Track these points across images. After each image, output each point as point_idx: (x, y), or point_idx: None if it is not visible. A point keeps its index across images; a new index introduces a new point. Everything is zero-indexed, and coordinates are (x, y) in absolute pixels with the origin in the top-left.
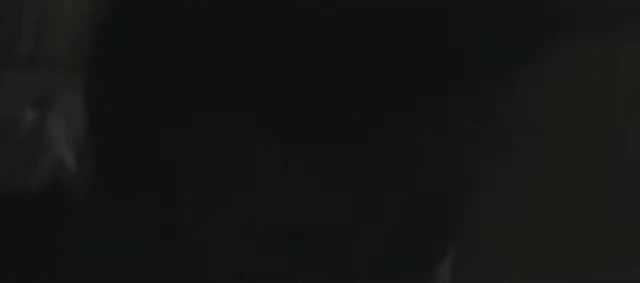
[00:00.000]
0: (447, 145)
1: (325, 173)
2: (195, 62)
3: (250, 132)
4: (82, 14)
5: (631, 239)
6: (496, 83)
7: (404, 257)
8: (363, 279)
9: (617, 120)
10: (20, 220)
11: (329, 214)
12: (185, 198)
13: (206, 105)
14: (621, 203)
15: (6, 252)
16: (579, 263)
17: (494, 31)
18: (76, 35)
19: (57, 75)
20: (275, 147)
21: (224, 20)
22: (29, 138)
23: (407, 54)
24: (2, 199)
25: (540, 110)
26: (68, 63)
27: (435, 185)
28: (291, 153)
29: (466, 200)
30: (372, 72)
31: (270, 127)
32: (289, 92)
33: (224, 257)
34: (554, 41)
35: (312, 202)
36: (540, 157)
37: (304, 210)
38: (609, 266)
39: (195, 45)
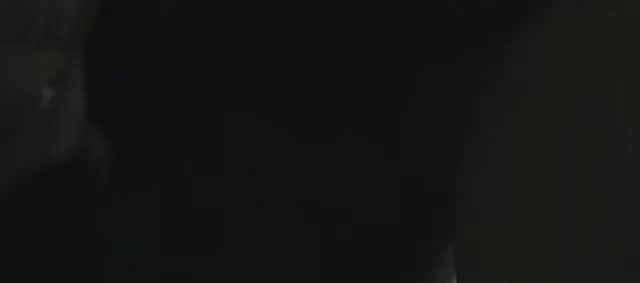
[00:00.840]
0: (447, 143)
1: (325, 157)
2: (196, 42)
3: (253, 117)
4: None
5: (632, 238)
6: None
7: (404, 256)
8: (363, 279)
9: (619, 108)
10: (39, 196)
11: (327, 213)
12: (191, 174)
13: (209, 85)
14: (622, 202)
15: (25, 228)
16: (580, 263)
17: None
18: (93, 13)
19: (75, 53)
20: (277, 133)
21: (220, 5)
22: (46, 115)
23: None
24: (22, 176)
25: (541, 107)
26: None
27: (436, 183)
28: (291, 136)
29: (467, 199)
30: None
31: (271, 112)
32: (288, 76)
33: (229, 235)
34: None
35: (312, 201)
36: (541, 156)
37: (303, 205)
38: (609, 266)
39: (197, 28)
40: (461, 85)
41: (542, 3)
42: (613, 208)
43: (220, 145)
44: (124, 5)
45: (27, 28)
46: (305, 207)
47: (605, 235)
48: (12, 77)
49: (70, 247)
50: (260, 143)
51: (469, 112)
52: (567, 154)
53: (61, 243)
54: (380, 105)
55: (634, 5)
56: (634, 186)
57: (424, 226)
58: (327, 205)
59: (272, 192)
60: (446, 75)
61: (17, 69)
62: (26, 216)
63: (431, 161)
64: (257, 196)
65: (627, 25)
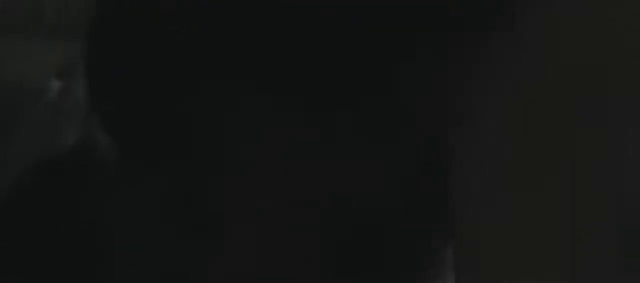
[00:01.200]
0: (447, 143)
1: (325, 142)
2: (201, 35)
3: (254, 101)
4: None
5: (631, 238)
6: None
7: (404, 256)
8: (363, 279)
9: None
10: (46, 187)
11: (327, 213)
12: (191, 174)
13: (215, 74)
14: (622, 202)
15: (33, 217)
16: (580, 263)
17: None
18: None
19: (82, 45)
20: (279, 115)
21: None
22: (54, 108)
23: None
24: (29, 168)
25: (541, 107)
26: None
27: (436, 183)
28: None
29: (467, 199)
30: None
31: (271, 112)
32: (288, 77)
33: (235, 223)
34: None
35: (312, 201)
36: (541, 156)
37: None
38: (609, 266)
39: (202, 20)
40: (461, 85)
41: (542, 3)
42: (613, 208)
43: (220, 145)
44: None
45: (36, 22)
46: (305, 207)
47: (605, 235)
48: (21, 70)
49: (72, 244)
50: (261, 143)
51: (469, 112)
52: (567, 154)
53: (63, 239)
54: (380, 105)
55: (634, 5)
56: (634, 186)
57: (424, 226)
58: (326, 205)
59: (272, 192)
60: (446, 75)
61: (25, 63)
62: (27, 208)
63: (431, 161)
64: (257, 196)
65: (628, 25)
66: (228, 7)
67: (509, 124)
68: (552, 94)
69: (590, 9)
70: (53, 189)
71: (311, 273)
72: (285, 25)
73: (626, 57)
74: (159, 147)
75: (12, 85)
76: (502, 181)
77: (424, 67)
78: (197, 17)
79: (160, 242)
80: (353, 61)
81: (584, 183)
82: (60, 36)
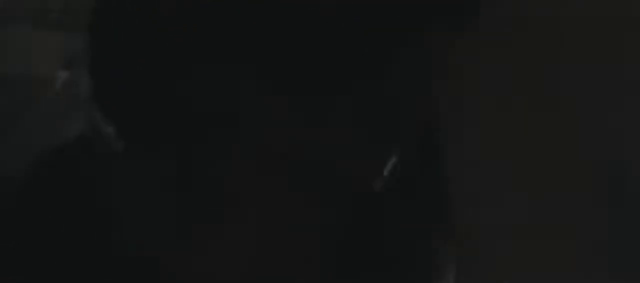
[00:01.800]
0: (448, 144)
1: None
2: (200, 23)
3: (254, 101)
4: None
5: (632, 239)
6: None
7: (404, 256)
8: (363, 279)
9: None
10: (53, 175)
11: (327, 214)
12: (198, 162)
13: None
14: (622, 202)
15: (40, 203)
16: (580, 263)
17: None
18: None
19: (85, 37)
20: (276, 99)
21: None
22: (61, 98)
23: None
24: (36, 157)
25: (542, 109)
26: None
27: (436, 183)
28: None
29: (467, 199)
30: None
31: (270, 79)
32: (288, 60)
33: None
34: None
35: (312, 201)
36: (542, 157)
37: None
38: (609, 266)
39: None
40: (460, 85)
41: (542, 3)
42: (613, 209)
43: (220, 145)
44: None
45: (41, 14)
46: (305, 207)
47: (605, 236)
48: (26, 61)
49: (76, 232)
50: (261, 143)
51: (468, 112)
52: (567, 155)
53: (67, 228)
54: (380, 104)
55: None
56: (634, 186)
57: (424, 226)
58: (327, 205)
59: (272, 191)
60: (447, 75)
61: (31, 54)
62: (32, 197)
63: (431, 161)
64: (257, 195)
65: (627, 25)
66: (227, 4)
67: (508, 124)
68: (552, 95)
69: (590, 9)
70: (58, 178)
71: (311, 273)
72: (284, 24)
73: (626, 57)
74: (159, 143)
75: (18, 76)
76: (502, 181)
77: (422, 66)
78: (197, 14)
79: (161, 239)
80: (353, 61)
81: (584, 184)
82: (65, 28)
